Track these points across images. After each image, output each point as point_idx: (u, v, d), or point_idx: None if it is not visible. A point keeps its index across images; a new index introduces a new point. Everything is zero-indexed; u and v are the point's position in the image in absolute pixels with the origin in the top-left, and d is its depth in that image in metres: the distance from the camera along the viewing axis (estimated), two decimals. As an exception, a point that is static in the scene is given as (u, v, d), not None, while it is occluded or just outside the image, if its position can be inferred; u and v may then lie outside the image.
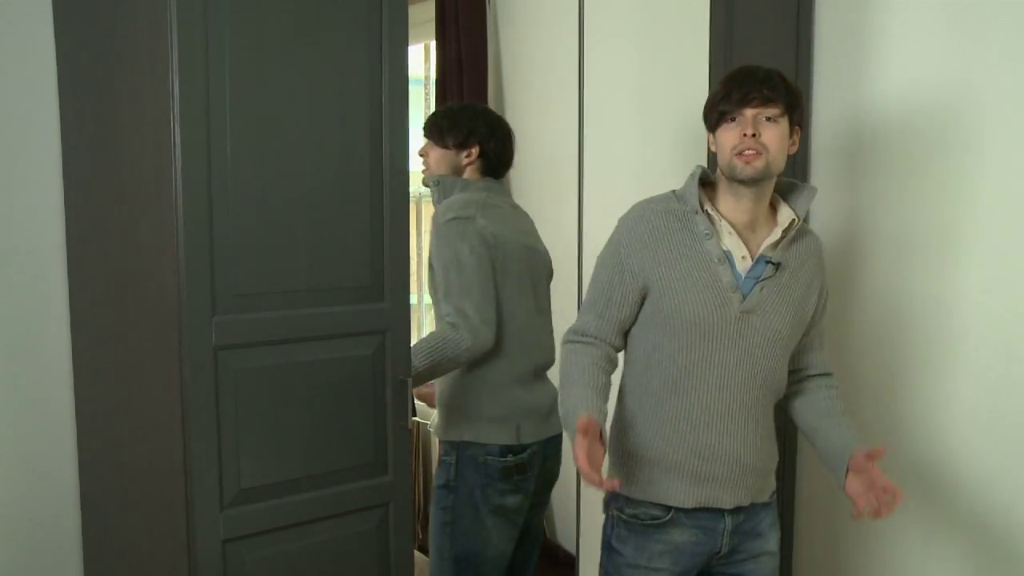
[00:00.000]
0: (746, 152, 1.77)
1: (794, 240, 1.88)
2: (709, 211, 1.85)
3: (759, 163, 1.77)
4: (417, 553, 2.26)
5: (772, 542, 1.95)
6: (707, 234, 1.83)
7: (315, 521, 1.85)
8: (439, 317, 2.32)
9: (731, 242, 1.84)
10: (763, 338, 1.84)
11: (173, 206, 1.65)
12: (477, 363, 2.28)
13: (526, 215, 2.52)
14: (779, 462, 2.00)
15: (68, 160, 2.01)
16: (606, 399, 1.87)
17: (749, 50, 2.34)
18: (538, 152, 3.46)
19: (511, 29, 3.63)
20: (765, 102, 1.77)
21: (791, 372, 1.97)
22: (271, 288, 1.76)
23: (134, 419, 1.88)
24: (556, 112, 3.23)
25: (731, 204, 1.85)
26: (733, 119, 1.79)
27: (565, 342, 1.96)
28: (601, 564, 1.99)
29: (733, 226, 1.84)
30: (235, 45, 1.67)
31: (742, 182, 1.80)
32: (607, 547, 1.98)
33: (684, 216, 1.86)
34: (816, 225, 2.50)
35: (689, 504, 1.87)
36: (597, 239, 2.00)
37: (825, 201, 2.49)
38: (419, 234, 4.30)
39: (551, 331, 2.47)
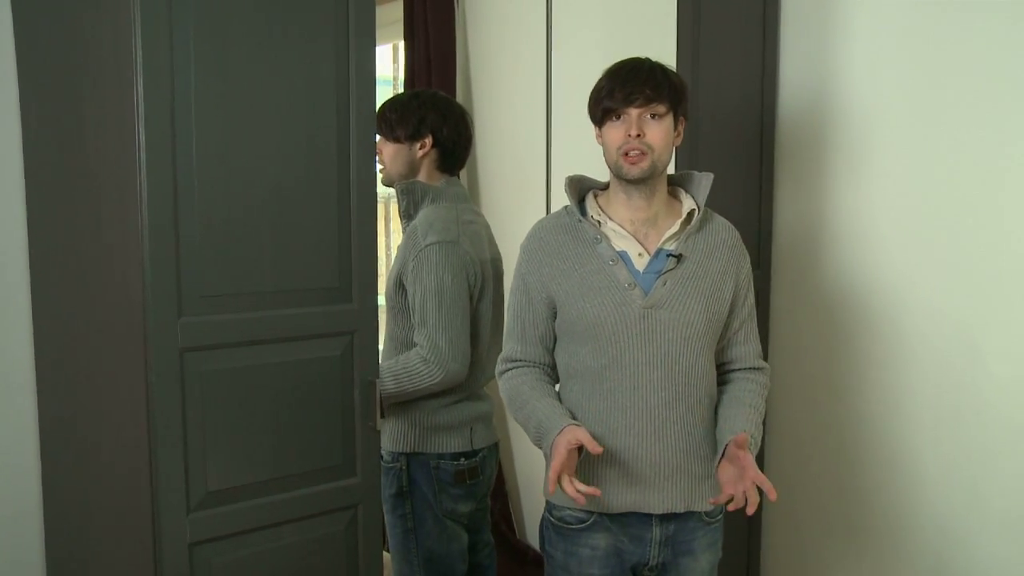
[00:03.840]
0: (631, 153, 1.78)
1: (699, 230, 1.88)
2: (595, 216, 1.86)
3: (645, 164, 1.79)
4: (385, 555, 2.24)
5: (704, 562, 1.91)
6: (596, 238, 1.85)
7: (283, 524, 1.84)
8: (395, 332, 2.29)
9: (624, 242, 1.85)
10: (675, 333, 1.81)
11: (138, 207, 1.63)
12: None
13: (485, 220, 2.45)
14: None
15: (30, 160, 1.98)
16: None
17: (716, 49, 2.36)
18: (506, 151, 3.47)
19: (479, 28, 3.63)
20: (648, 101, 1.78)
21: (719, 367, 1.94)
22: (238, 289, 1.75)
23: (99, 422, 1.86)
24: (524, 111, 3.24)
25: (623, 203, 1.86)
26: (618, 117, 1.80)
27: (499, 373, 1.98)
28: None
29: (628, 225, 1.85)
30: (200, 45, 1.65)
31: (630, 182, 1.82)
32: (543, 550, 1.98)
33: (573, 227, 1.88)
34: (778, 222, 2.52)
35: (613, 510, 1.85)
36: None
37: (787, 197, 2.51)
38: (387, 234, 4.30)
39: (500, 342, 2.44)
